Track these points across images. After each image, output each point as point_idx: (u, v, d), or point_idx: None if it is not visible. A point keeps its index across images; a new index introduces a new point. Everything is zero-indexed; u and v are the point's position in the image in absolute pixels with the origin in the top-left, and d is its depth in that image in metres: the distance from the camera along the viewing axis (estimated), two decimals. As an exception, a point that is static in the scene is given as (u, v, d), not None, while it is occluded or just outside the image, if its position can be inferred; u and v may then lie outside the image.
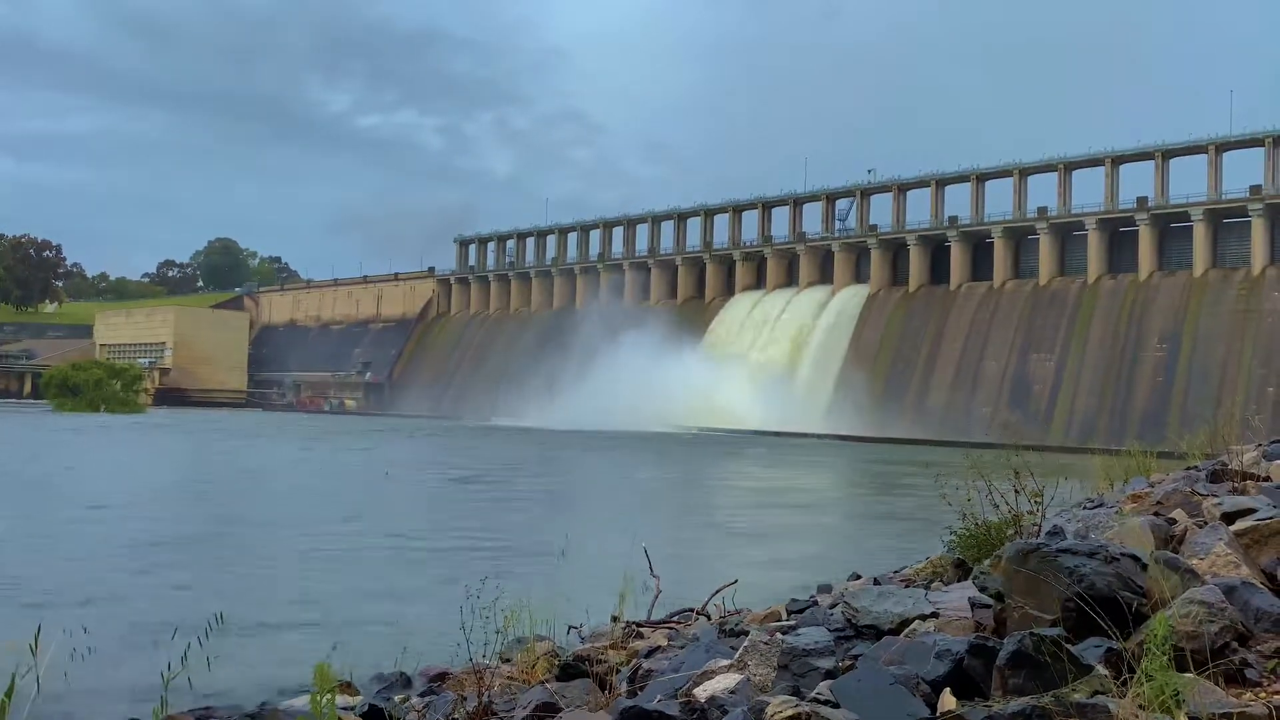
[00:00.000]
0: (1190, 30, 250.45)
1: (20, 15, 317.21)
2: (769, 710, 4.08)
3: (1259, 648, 4.11)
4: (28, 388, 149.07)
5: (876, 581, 8.44)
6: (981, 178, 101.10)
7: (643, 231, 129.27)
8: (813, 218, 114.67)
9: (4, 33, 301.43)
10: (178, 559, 17.98)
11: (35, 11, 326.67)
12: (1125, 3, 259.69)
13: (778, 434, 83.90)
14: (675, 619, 9.30)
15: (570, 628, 9.20)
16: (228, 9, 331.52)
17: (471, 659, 6.76)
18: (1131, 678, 3.68)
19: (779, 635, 5.27)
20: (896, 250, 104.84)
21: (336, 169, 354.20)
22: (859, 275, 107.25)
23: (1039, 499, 7.43)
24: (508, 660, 7.71)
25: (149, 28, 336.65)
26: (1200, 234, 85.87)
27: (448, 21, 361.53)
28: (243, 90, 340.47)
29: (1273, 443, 9.70)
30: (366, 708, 7.83)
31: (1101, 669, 3.86)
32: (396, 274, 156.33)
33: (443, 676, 8.49)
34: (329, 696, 5.62)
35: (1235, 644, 4.04)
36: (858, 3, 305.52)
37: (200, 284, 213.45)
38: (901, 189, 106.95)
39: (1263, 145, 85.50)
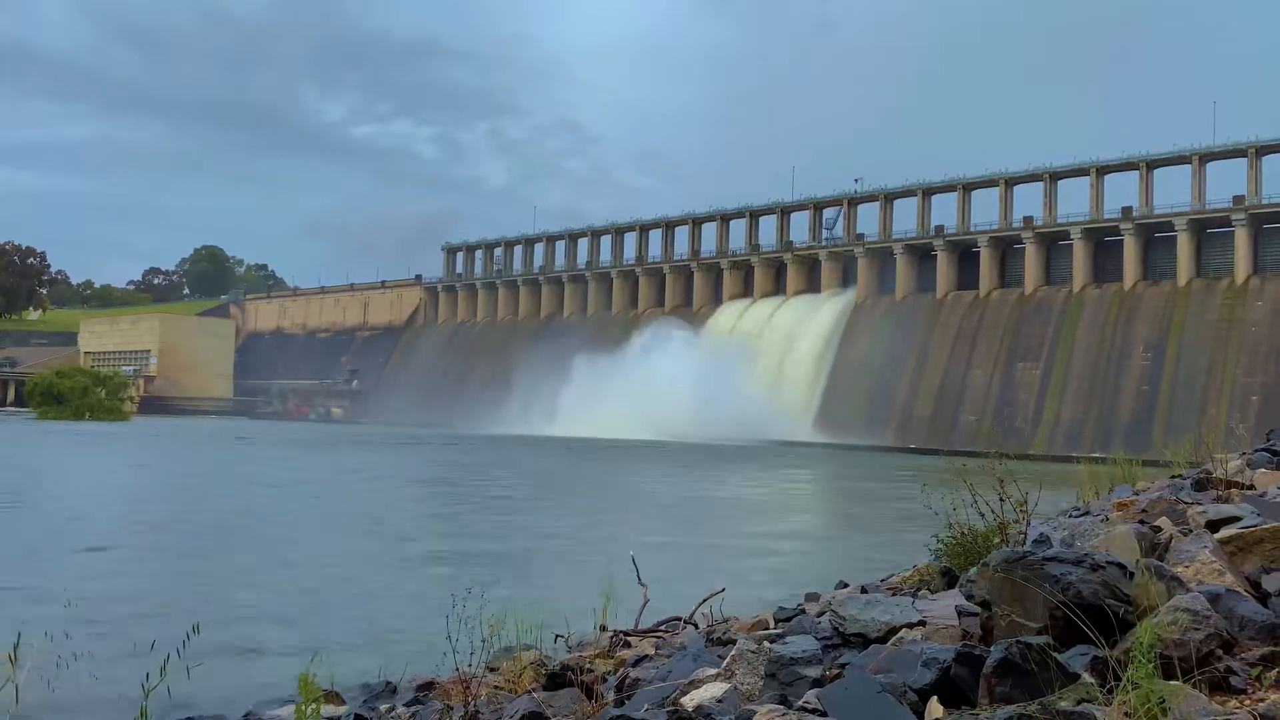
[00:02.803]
0: (1174, 42, 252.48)
1: (16, 24, 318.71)
2: (756, 719, 4.07)
3: (1244, 655, 4.12)
4: (11, 395, 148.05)
5: (864, 590, 8.44)
6: (968, 187, 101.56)
7: (630, 240, 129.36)
8: (800, 227, 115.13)
9: (1, 42, 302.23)
10: (158, 567, 17.86)
11: (31, 20, 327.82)
12: (1109, 15, 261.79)
13: (764, 442, 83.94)
14: (663, 627, 9.28)
15: (557, 636, 9.17)
16: (224, 19, 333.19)
17: (458, 668, 6.73)
18: (1117, 685, 3.68)
19: (766, 644, 5.26)
20: (883, 259, 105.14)
21: (329, 178, 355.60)
22: (846, 284, 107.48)
23: (1024, 507, 7.45)
24: (494, 669, 7.67)
25: (145, 37, 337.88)
26: (1184, 243, 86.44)
27: (445, 34, 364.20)
28: (238, 100, 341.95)
29: (1256, 451, 9.76)
30: (352, 717, 7.79)
31: (1088, 677, 3.87)
32: (383, 282, 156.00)
33: (429, 686, 8.46)
34: (314, 706, 5.59)
35: (1220, 651, 4.05)
36: (851, 17, 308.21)
37: (186, 291, 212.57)
38: (888, 198, 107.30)
39: (1246, 155, 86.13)
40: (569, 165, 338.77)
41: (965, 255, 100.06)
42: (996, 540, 7.22)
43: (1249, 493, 7.40)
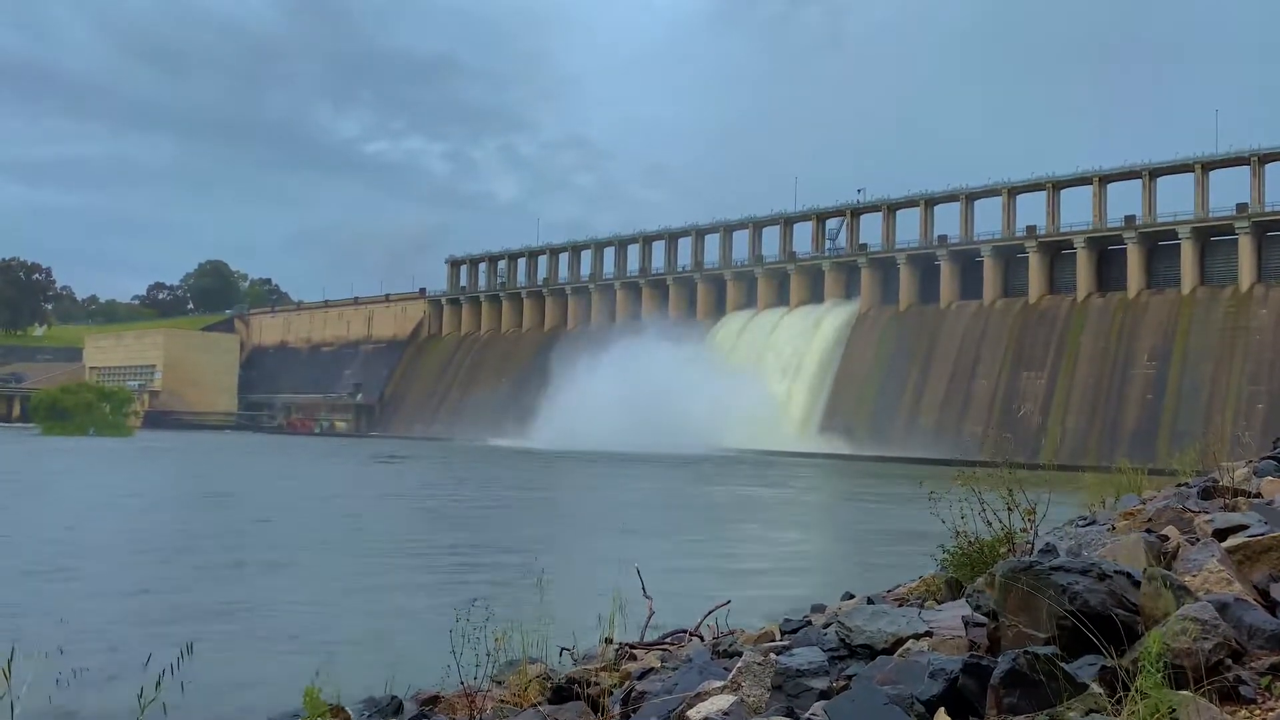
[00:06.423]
0: (1176, 50, 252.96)
1: (37, 44, 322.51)
2: (762, 731, 4.05)
3: (1253, 665, 4.10)
4: (16, 411, 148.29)
5: (870, 601, 8.41)
6: (971, 197, 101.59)
7: (634, 251, 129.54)
8: (803, 237, 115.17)
9: (21, 62, 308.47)
10: (157, 581, 17.83)
11: (51, 40, 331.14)
12: (1109, 24, 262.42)
13: (769, 453, 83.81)
14: (668, 640, 9.24)
15: (562, 649, 9.14)
16: (241, 37, 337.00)
17: (463, 682, 6.71)
18: (1126, 696, 3.66)
19: (773, 656, 5.24)
20: (887, 269, 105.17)
21: (339, 193, 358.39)
22: (849, 294, 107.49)
23: (1031, 516, 7.42)
24: (499, 683, 7.65)
25: (162, 55, 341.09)
26: (1188, 252, 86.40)
27: (460, 52, 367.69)
28: (253, 117, 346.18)
29: (1263, 459, 9.73)
30: (357, 732, 7.75)
31: (1096, 687, 3.84)
32: (387, 295, 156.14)
33: (434, 700, 8.42)
34: (318, 721, 5.57)
35: (1229, 661, 4.02)
36: (859, 32, 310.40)
37: (191, 306, 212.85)
38: (891, 209, 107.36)
39: (1248, 164, 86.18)
40: (579, 180, 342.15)
41: (969, 265, 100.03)
42: (1003, 550, 7.19)
43: (1256, 501, 7.37)
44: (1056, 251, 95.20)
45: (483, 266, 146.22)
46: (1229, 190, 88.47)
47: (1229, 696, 3.89)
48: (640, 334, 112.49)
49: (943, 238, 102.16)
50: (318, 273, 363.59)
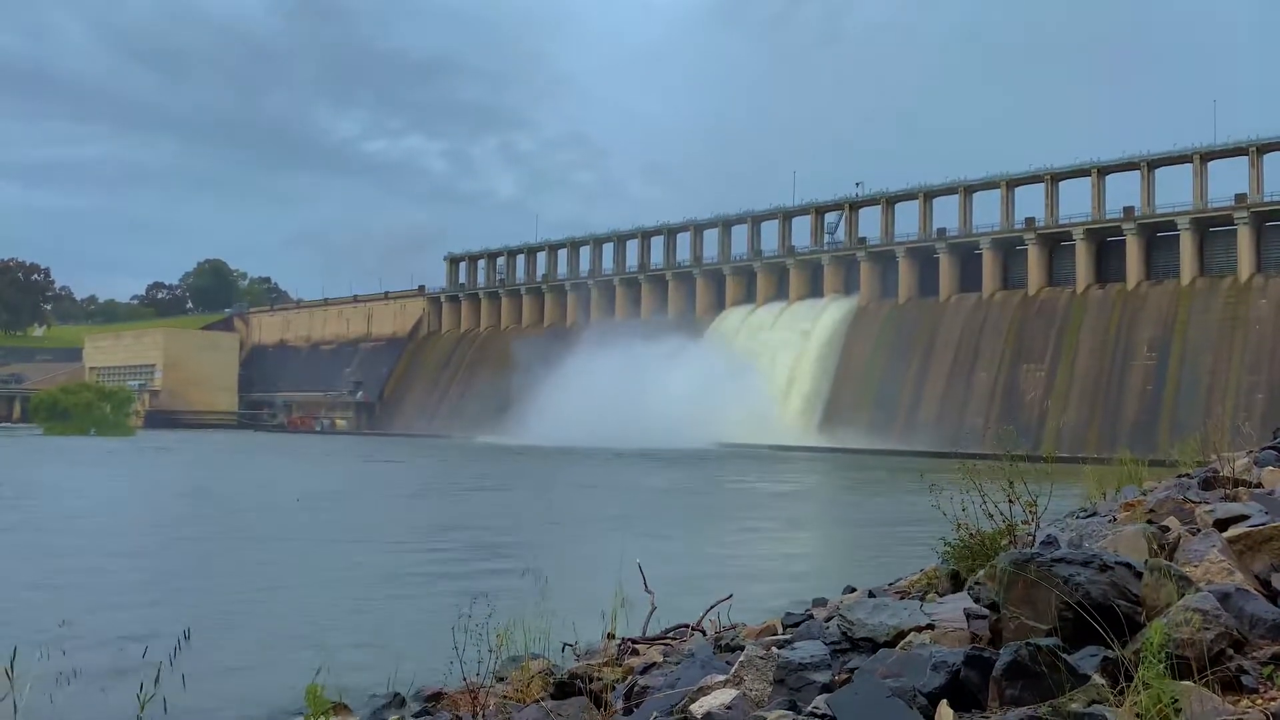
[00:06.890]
0: (1174, 41, 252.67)
1: (36, 47, 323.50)
2: (765, 725, 4.05)
3: (1255, 654, 4.10)
4: (17, 412, 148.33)
5: (871, 594, 8.42)
6: (969, 189, 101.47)
7: (633, 247, 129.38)
8: (802, 232, 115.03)
9: (20, 65, 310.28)
10: (159, 580, 17.84)
11: (52, 44, 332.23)
12: (1108, 15, 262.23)
13: (770, 448, 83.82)
14: (670, 635, 9.26)
15: (565, 645, 9.16)
16: (240, 39, 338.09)
17: (465, 678, 6.72)
18: (1128, 686, 3.67)
19: (775, 649, 5.24)
20: (885, 263, 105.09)
21: (337, 192, 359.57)
22: (848, 288, 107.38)
23: (1033, 508, 7.42)
24: (502, 679, 7.66)
25: (163, 58, 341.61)
26: (1187, 243, 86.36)
27: (460, 52, 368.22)
28: (252, 117, 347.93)
29: (1263, 449, 9.73)
30: (360, 729, 7.77)
31: (1098, 678, 3.85)
32: (386, 293, 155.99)
33: (437, 696, 8.44)
34: (323, 718, 5.57)
35: (1231, 651, 4.03)
36: (856, 28, 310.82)
37: (190, 306, 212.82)
38: (890, 202, 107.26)
39: (1247, 154, 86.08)
40: (578, 177, 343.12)
41: (968, 257, 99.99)
42: (1004, 542, 7.20)
43: (1256, 491, 7.37)
44: (1055, 243, 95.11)
45: (482, 263, 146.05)
46: (1228, 181, 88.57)
47: (1231, 686, 3.90)
48: (639, 329, 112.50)
49: (941, 230, 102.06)
50: (317, 271, 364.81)
